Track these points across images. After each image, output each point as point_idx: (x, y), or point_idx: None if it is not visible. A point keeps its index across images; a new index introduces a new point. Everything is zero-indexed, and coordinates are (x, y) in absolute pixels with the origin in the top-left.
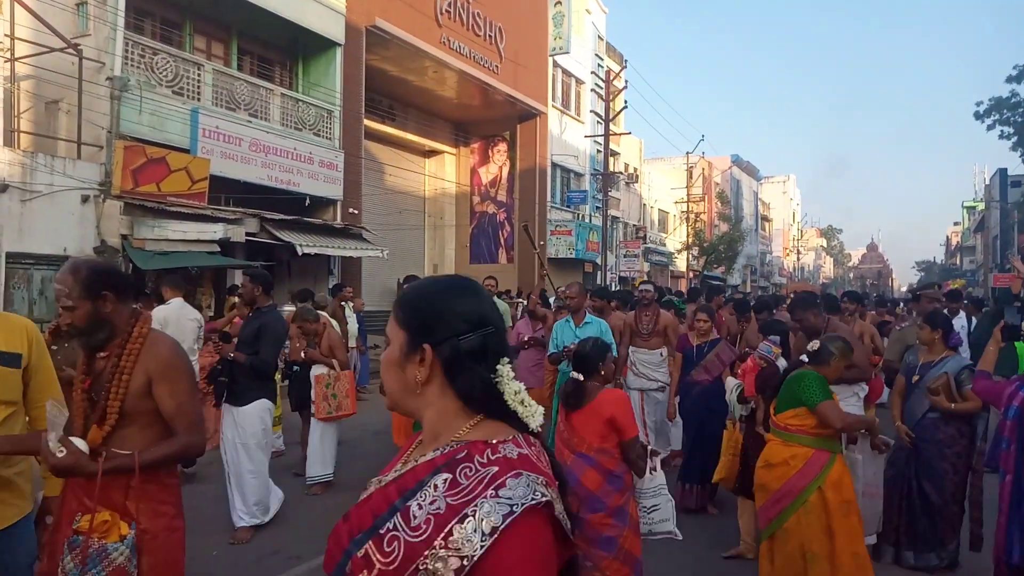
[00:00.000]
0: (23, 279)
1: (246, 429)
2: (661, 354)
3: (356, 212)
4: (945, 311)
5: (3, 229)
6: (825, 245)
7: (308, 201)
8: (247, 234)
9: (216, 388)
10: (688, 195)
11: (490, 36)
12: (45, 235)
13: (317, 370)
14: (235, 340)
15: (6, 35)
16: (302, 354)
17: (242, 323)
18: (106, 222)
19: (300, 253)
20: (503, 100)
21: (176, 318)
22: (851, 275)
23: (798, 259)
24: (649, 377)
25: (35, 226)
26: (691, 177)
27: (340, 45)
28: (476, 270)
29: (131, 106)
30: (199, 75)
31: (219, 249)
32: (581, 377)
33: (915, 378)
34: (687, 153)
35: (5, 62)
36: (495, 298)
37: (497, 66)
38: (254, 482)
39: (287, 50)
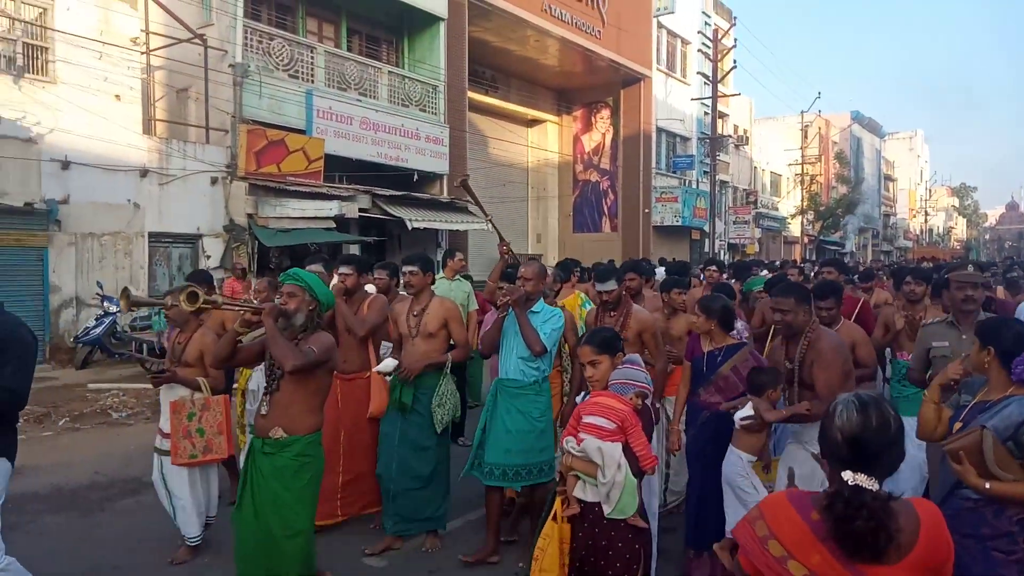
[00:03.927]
0: (163, 257)
1: None
2: None
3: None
4: None
5: (146, 211)
6: (957, 205)
7: (416, 176)
8: (360, 210)
9: None
10: (803, 156)
11: (592, 0)
12: (181, 216)
13: (173, 394)
14: None
15: (141, 30)
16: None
17: None
18: (233, 202)
19: (410, 227)
20: (606, 65)
21: None
22: (987, 236)
23: (926, 221)
24: None
25: (172, 208)
26: (806, 137)
27: (443, 20)
28: (580, 240)
29: (252, 91)
30: (312, 57)
31: (335, 225)
32: (876, 485)
33: (956, 425)
34: (802, 112)
35: (142, 54)
36: (458, 277)
37: (599, 31)
38: None
39: (393, 28)
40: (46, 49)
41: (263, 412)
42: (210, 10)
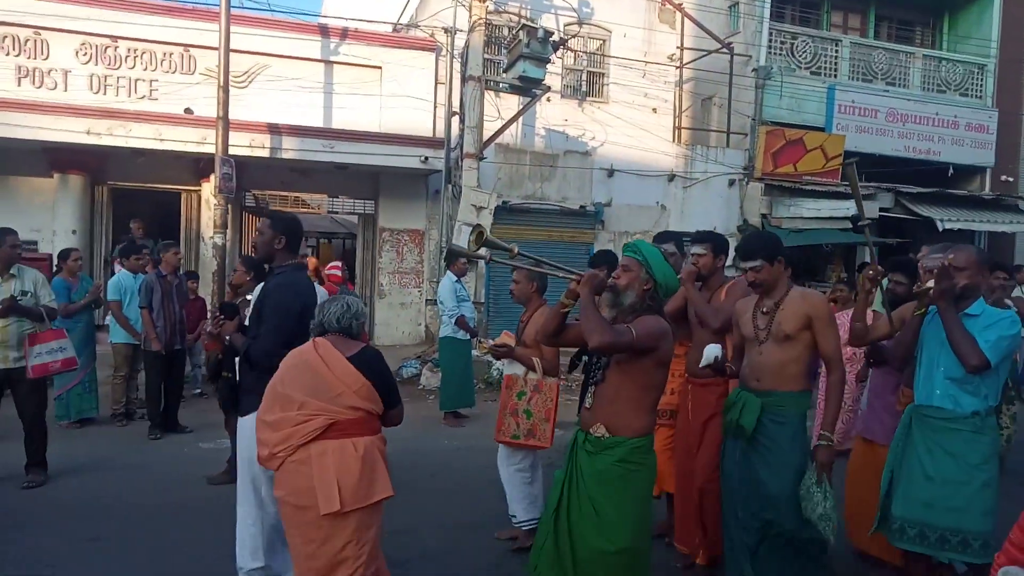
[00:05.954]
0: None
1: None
2: None
3: (1011, 180)
4: None
5: (670, 212)
6: None
7: (951, 171)
8: (880, 209)
9: (219, 390)
10: None
11: None
12: (699, 216)
13: (510, 369)
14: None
15: (677, 47)
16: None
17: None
18: (748, 203)
19: (940, 229)
20: None
21: None
22: None
23: None
24: None
25: (692, 208)
26: None
27: None
28: None
29: (772, 92)
30: (836, 51)
31: (850, 226)
32: None
33: None
34: None
35: (676, 69)
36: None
37: None
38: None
39: (930, 7)
40: (602, 75)
41: (587, 404)
42: (738, 18)
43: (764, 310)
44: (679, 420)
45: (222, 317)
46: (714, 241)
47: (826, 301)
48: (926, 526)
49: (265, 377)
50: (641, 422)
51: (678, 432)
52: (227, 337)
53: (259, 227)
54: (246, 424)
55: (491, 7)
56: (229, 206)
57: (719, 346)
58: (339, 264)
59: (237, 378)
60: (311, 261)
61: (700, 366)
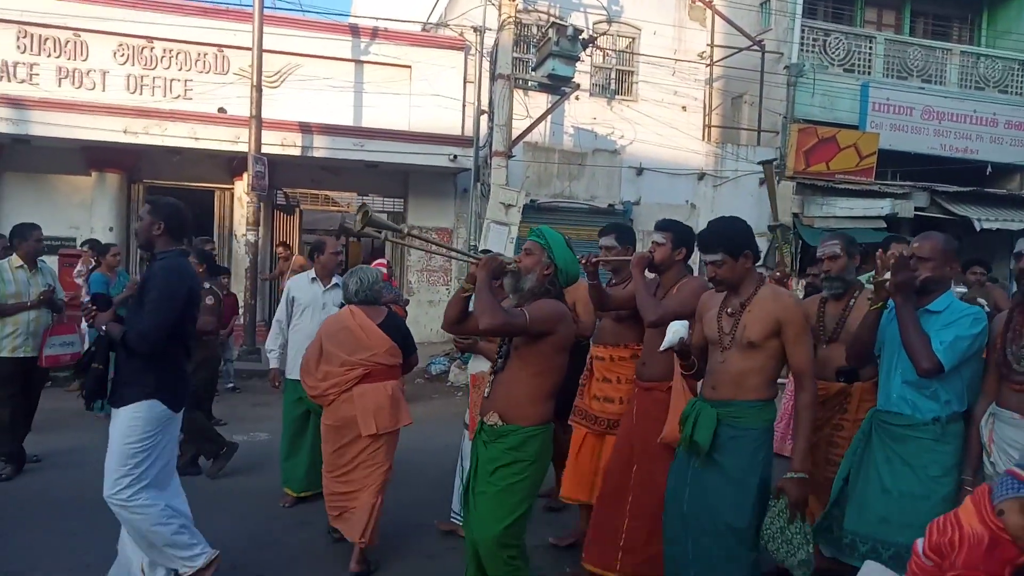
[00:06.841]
0: None
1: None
2: None
3: None
4: None
5: (700, 211)
6: None
7: (989, 169)
8: (916, 209)
9: (86, 382)
10: None
11: None
12: (729, 215)
13: (476, 366)
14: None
15: (707, 44)
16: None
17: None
18: (780, 202)
19: (978, 228)
20: None
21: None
22: None
23: None
24: None
25: (722, 207)
26: None
27: None
28: None
29: (805, 90)
30: (870, 48)
31: (884, 225)
32: None
33: None
34: None
35: (706, 67)
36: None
37: None
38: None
39: (968, 2)
40: (632, 73)
41: (486, 393)
42: (769, 15)
43: (729, 311)
44: (620, 429)
45: (94, 308)
46: (675, 231)
47: (800, 305)
48: (879, 542)
49: (150, 365)
50: (536, 410)
51: (618, 441)
52: (102, 328)
53: (140, 213)
54: (123, 417)
55: (520, 6)
56: (261, 204)
57: (685, 324)
58: (384, 262)
59: (109, 369)
60: (298, 260)
61: (661, 348)
